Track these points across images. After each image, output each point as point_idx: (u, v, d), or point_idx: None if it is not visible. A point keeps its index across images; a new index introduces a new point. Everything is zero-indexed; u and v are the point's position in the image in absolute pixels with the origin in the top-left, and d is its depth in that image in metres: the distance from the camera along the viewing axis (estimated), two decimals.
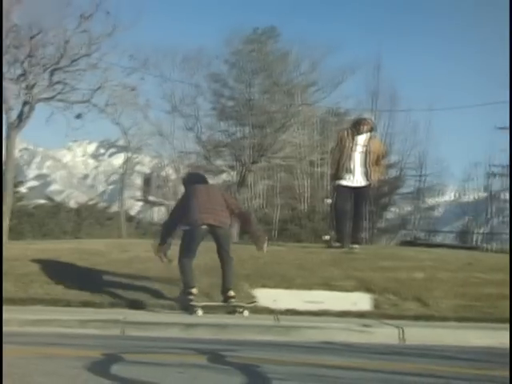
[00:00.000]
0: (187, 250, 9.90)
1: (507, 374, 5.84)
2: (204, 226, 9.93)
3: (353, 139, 13.07)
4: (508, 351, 6.89)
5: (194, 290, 9.57)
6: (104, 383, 4.54)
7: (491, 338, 8.29)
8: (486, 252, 30.93)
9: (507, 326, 9.01)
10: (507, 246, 44.06)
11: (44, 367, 5.13)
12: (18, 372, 4.64)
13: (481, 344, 8.06)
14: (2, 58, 19.68)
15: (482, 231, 53.63)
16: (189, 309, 9.36)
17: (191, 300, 9.47)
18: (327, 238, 14.35)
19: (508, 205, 60.13)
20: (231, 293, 9.69)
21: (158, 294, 10.04)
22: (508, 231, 55.84)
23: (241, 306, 9.55)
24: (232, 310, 9.58)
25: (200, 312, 9.29)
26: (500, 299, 10.14)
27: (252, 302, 9.63)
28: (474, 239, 51.34)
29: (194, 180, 10.99)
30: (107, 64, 23.83)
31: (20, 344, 6.05)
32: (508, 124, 50.04)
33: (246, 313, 9.47)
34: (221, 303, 9.68)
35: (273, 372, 5.20)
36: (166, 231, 10.59)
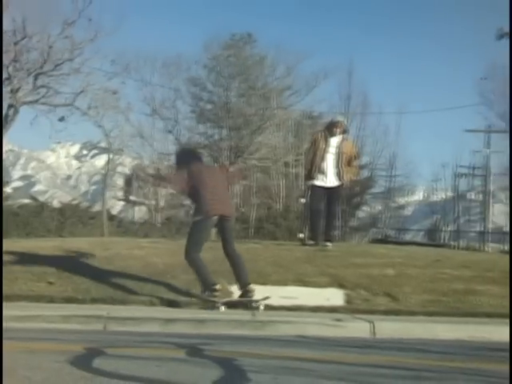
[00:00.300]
0: (196, 244, 9.53)
1: (477, 365, 5.87)
2: (215, 217, 9.60)
3: (326, 141, 13.09)
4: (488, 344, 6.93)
5: (218, 286, 9.40)
6: (86, 376, 4.52)
7: (459, 331, 8.33)
8: (453, 249, 31.08)
9: (474, 319, 9.08)
10: (474, 244, 44.42)
11: (28, 361, 5.10)
12: (3, 366, 4.60)
13: (449, 337, 8.09)
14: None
15: (449, 229, 53.99)
16: (211, 305, 9.25)
17: (216, 296, 9.33)
18: (301, 236, 14.37)
19: (473, 204, 60.57)
20: (251, 287, 9.52)
21: (138, 290, 9.99)
22: (473, 229, 56.29)
23: (257, 301, 9.39)
24: (249, 305, 9.42)
25: (222, 308, 9.20)
26: (467, 294, 10.21)
27: (266, 298, 9.46)
28: (442, 237, 51.68)
29: (192, 159, 10.21)
30: (90, 69, 23.87)
31: (5, 339, 5.99)
32: (476, 127, 50.53)
33: (261, 307, 9.33)
34: (241, 299, 9.54)
35: (249, 365, 5.20)
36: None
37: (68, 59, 22.93)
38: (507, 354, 6.80)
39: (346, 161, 13.19)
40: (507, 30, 35.78)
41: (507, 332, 8.32)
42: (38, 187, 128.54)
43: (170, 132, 36.24)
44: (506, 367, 5.79)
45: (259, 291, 9.91)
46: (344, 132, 13.38)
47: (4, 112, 22.05)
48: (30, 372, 4.63)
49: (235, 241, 10.12)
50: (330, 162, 13.05)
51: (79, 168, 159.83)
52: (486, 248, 41.05)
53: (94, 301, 9.50)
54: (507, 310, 9.60)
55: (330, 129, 13.21)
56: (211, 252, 10.26)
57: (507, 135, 38.20)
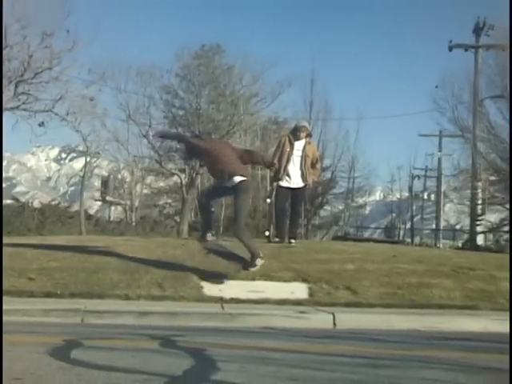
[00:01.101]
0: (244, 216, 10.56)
1: (430, 353, 5.90)
2: None
3: (291, 145, 13.07)
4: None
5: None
6: (64, 367, 4.49)
7: (414, 321, 8.38)
8: (408, 245, 31.26)
9: (427, 311, 9.14)
10: (427, 240, 44.74)
11: (9, 353, 5.04)
12: None
13: (405, 327, 8.14)
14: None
15: (404, 227, 54.40)
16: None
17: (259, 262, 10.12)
18: (268, 233, 14.38)
19: (427, 203, 61.06)
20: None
21: (114, 285, 9.93)
22: (426, 227, 56.73)
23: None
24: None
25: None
26: (421, 287, 10.27)
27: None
28: (398, 234, 52.05)
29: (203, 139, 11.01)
30: (68, 77, 23.67)
31: None
32: (429, 132, 50.93)
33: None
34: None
35: (218, 355, 5.19)
36: None
37: (47, 68, 22.73)
38: (457, 343, 6.87)
39: (309, 163, 13.19)
40: (457, 42, 36.14)
41: (457, 322, 8.42)
42: (19, 188, 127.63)
43: (144, 136, 35.98)
44: (457, 354, 5.85)
45: (228, 285, 9.93)
46: (308, 136, 13.37)
47: None
48: (11, 363, 4.58)
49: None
50: (294, 165, 13.03)
51: (58, 170, 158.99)
52: (438, 244, 41.40)
53: (73, 295, 9.43)
54: (457, 302, 9.72)
55: (295, 133, 13.20)
56: (183, 249, 10.22)
57: (457, 139, 38.57)
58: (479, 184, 33.18)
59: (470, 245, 31.11)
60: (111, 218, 41.89)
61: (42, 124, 23.96)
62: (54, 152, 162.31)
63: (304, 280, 10.40)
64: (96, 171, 48.27)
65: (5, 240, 13.41)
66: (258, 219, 31.29)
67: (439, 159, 52.17)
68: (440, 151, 51.40)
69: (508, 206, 29.38)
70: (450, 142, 46.26)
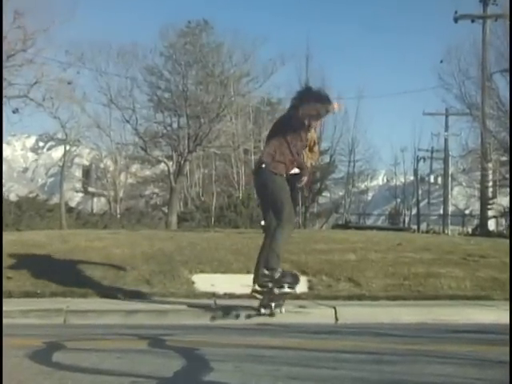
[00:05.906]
0: None
1: (438, 348, 5.92)
2: None
3: None
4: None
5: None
6: (44, 370, 4.48)
7: (421, 314, 8.41)
8: (414, 233, 31.33)
9: (436, 302, 9.17)
10: (435, 227, 44.84)
11: None
12: None
13: (412, 321, 8.17)
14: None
15: (410, 213, 54.48)
16: None
17: None
18: (263, 223, 14.34)
19: (433, 187, 61.17)
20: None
21: (99, 283, 9.94)
22: (433, 212, 56.85)
23: None
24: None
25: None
26: (428, 277, 10.30)
27: None
28: (403, 221, 52.11)
29: None
30: (43, 59, 23.69)
31: None
32: (436, 110, 50.95)
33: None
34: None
35: (211, 354, 5.20)
36: None
37: (21, 50, 22.73)
38: (468, 336, 6.90)
39: (307, 146, 13.14)
40: (463, 12, 36.16)
41: (468, 313, 8.44)
42: None
43: (127, 122, 35.89)
44: (467, 348, 5.87)
45: (220, 279, 9.95)
46: None
47: None
48: None
49: (198, 229, 10.11)
50: None
51: (36, 160, 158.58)
52: (446, 231, 41.50)
53: (54, 294, 9.44)
54: (468, 292, 9.74)
55: None
56: (172, 241, 10.18)
57: (465, 117, 38.59)
58: (489, 165, 33.24)
59: (481, 230, 31.21)
60: (94, 211, 41.93)
61: (16, 111, 23.99)
62: (31, 141, 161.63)
63: (303, 272, 10.41)
64: (76, 160, 48.27)
65: None
66: (253, 208, 31.29)
67: (446, 139, 52.16)
68: (447, 130, 51.42)
69: None
70: (457, 120, 46.24)
